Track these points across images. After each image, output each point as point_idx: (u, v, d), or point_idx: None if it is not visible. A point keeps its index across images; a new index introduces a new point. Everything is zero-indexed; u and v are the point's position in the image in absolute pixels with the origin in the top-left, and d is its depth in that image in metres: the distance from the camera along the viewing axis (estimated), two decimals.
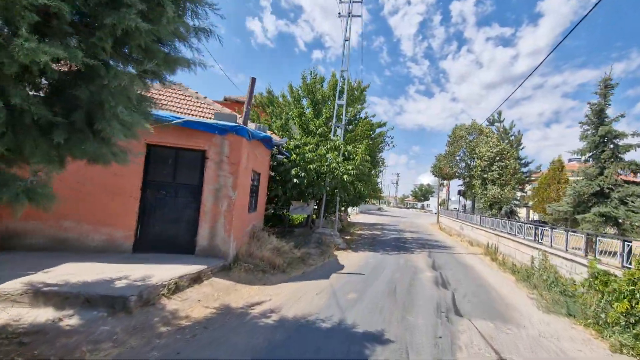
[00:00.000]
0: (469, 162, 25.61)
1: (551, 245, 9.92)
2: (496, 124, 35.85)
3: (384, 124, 16.77)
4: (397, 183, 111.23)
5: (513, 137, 36.03)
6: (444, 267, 10.83)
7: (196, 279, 6.59)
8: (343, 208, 17.62)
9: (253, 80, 8.71)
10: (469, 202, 48.01)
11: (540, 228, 10.86)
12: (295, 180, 12.40)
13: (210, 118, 8.54)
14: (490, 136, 25.02)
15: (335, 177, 13.09)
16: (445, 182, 32.10)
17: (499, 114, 36.40)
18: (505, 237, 13.82)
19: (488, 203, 21.37)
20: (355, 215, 42.09)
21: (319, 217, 17.41)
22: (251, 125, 10.59)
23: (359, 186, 13.82)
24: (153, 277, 5.89)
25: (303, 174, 12.41)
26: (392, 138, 16.96)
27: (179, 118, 7.33)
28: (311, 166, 12.64)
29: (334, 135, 14.01)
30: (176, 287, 5.97)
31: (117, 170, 7.19)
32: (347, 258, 11.31)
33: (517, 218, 30.94)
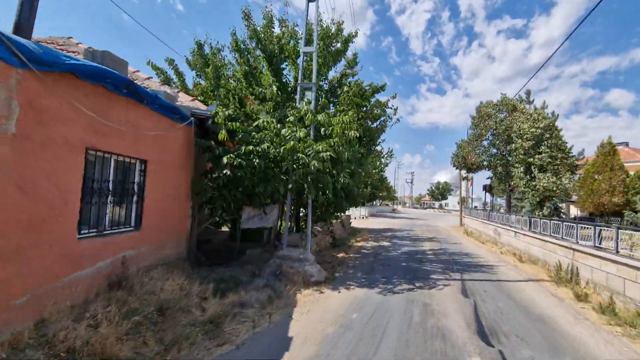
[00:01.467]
0: (500, 147, 19.82)
1: None
2: (525, 105, 29.87)
3: (383, 87, 11.49)
4: (411, 182, 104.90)
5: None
6: (501, 329, 5.46)
7: None
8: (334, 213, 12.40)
9: None
10: (496, 200, 41.62)
11: None
12: (228, 172, 7.34)
13: None
14: (525, 112, 19.25)
15: (302, 166, 7.97)
16: (469, 175, 26.29)
17: (527, 93, 30.45)
18: (593, 255, 8.25)
19: (537, 198, 15.53)
20: (363, 219, 36.64)
21: (301, 229, 12.35)
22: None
23: (344, 179, 8.59)
24: None
25: (241, 161, 7.35)
26: (395, 109, 11.70)
27: None
28: (257, 149, 7.59)
29: (300, 102, 8.86)
30: None
31: None
32: (314, 310, 6.09)
33: (562, 216, 24.79)
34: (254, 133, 8.03)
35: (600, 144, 29.79)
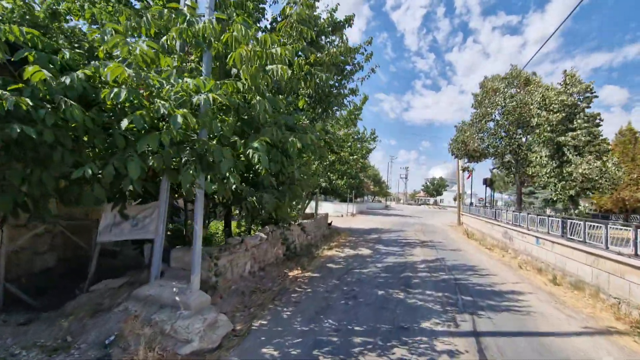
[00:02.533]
0: (510, 129, 15.94)
1: None
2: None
3: (349, 21, 7.46)
4: (406, 178, 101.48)
5: None
6: None
7: None
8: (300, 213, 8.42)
9: None
10: (497, 195, 37.94)
11: None
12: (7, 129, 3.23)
13: None
14: (542, 85, 15.42)
15: (167, 123, 3.99)
16: (471, 165, 22.46)
17: (534, 74, 26.70)
18: None
19: (571, 190, 11.47)
20: (351, 217, 32.76)
21: (234, 235, 8.48)
22: None
23: (257, 153, 4.46)
24: None
25: (34, 108, 3.27)
26: (369, 55, 7.71)
27: None
28: (60, 82, 3.57)
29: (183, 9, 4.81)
30: None
31: None
32: None
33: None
34: (75, 55, 4.01)
35: (619, 131, 26.17)
